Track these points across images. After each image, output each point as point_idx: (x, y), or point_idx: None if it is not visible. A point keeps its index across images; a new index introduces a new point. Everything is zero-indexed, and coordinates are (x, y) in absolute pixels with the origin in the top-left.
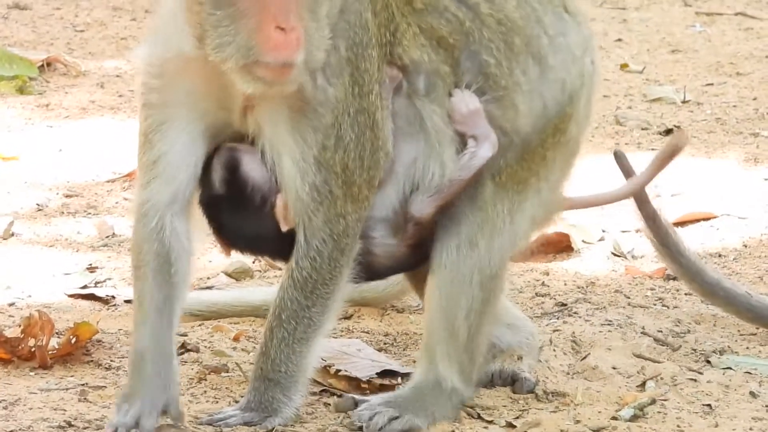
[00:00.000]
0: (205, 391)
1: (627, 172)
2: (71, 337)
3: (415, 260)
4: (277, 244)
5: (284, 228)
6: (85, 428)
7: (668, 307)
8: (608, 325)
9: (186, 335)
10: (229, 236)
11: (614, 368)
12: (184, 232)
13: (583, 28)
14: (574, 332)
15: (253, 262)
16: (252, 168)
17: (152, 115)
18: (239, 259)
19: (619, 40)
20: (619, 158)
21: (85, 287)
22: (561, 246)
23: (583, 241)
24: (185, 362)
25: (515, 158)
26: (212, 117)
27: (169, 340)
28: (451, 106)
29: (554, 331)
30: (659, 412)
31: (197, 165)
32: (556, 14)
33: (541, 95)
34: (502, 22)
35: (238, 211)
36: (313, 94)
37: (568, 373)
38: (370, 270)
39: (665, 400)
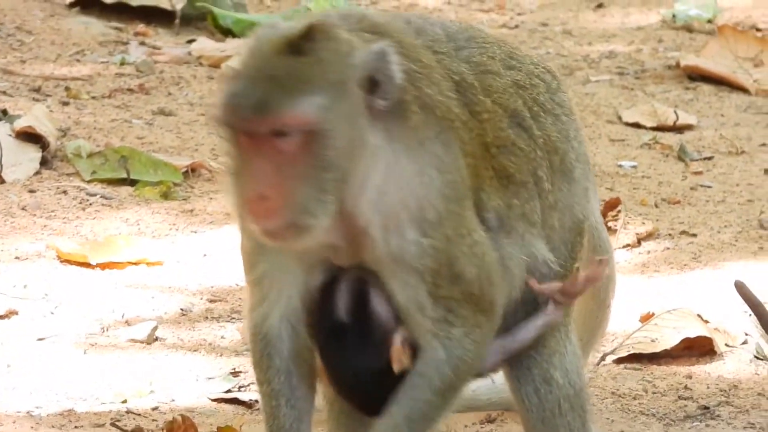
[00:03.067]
0: None
1: (750, 302)
2: None
3: None
4: (378, 387)
5: (396, 368)
6: None
7: None
8: (751, 428)
9: None
10: (335, 370)
11: None
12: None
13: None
14: None
15: None
16: (378, 301)
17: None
18: None
19: (764, 144)
20: (741, 289)
21: (228, 391)
22: (704, 349)
23: (726, 344)
24: None
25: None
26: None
27: None
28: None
29: None
30: None
31: (302, 284)
32: (572, 121)
33: (571, 210)
34: (547, 143)
35: (354, 344)
36: (398, 248)
37: None
38: None
39: None
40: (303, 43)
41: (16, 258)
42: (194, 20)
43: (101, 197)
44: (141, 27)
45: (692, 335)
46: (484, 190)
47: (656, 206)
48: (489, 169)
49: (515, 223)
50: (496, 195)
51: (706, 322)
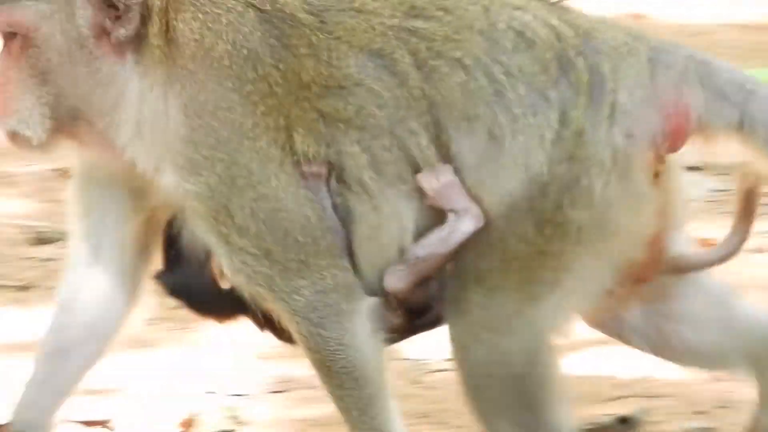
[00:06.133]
0: None
1: None
2: None
3: (422, 326)
4: (219, 303)
5: (224, 286)
6: None
7: None
8: None
9: None
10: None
11: None
12: None
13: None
14: None
15: None
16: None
17: None
18: None
19: None
20: None
21: None
22: None
23: None
24: None
25: (498, 258)
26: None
27: None
28: (420, 182)
29: None
30: None
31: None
32: (531, 87)
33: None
34: (436, 96)
35: (189, 266)
36: (166, 188)
37: None
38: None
39: None
40: None
41: None
42: None
43: None
44: None
45: None
46: (297, 133)
47: None
48: (310, 111)
49: (360, 173)
50: (319, 140)
51: None
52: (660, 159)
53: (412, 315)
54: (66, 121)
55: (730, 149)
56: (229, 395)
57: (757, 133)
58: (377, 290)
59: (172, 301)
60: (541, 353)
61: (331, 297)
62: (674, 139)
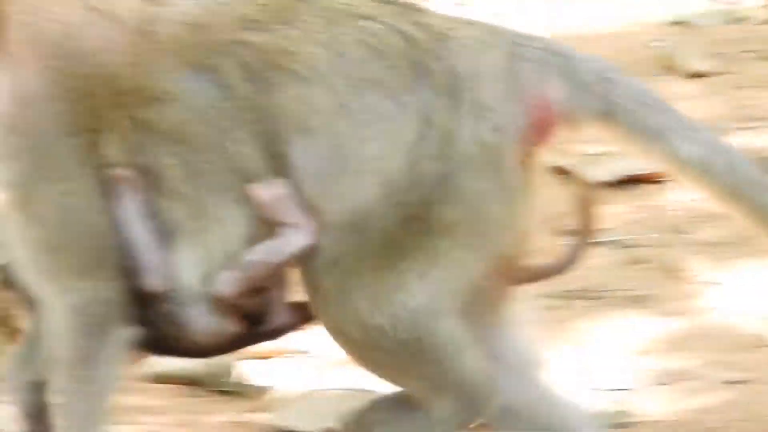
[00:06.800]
0: None
1: None
2: None
3: (263, 334)
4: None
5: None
6: None
7: None
8: None
9: None
10: None
11: None
12: None
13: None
14: None
15: None
16: None
17: None
18: None
19: None
20: None
21: None
22: None
23: None
24: None
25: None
26: None
27: None
28: (251, 195)
29: None
30: None
31: None
32: (382, 95)
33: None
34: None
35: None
36: None
37: None
38: (194, 348)
39: None
40: None
41: None
42: None
43: None
44: None
45: None
46: (111, 137)
47: None
48: (125, 119)
49: (177, 184)
50: (132, 148)
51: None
52: (529, 152)
53: (250, 324)
54: None
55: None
56: (613, 390)
57: (619, 120)
58: (207, 296)
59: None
60: (425, 320)
61: (97, 309)
62: (540, 131)
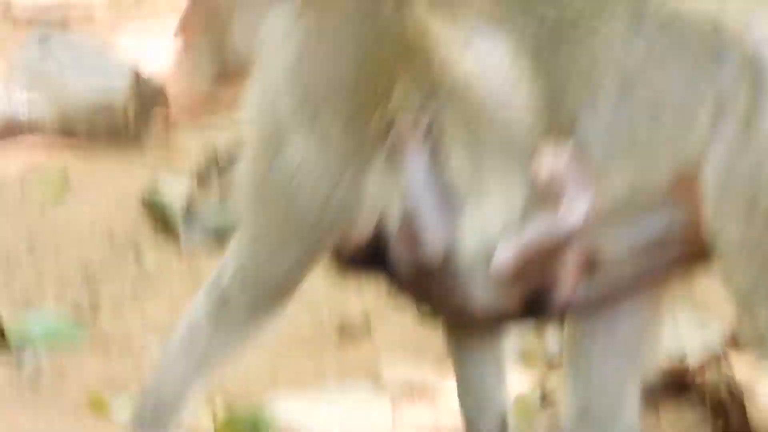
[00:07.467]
0: None
1: None
2: None
3: (525, 314)
4: None
5: None
6: None
7: None
8: None
9: None
10: None
11: None
12: None
13: None
14: None
15: None
16: None
17: None
18: None
19: None
20: None
21: None
22: None
23: None
24: None
25: None
26: None
27: None
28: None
29: None
30: None
31: None
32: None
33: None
34: None
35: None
36: None
37: None
38: (469, 321)
39: None
40: None
41: None
42: None
43: None
44: None
45: None
46: (388, 96)
47: None
48: (411, 75)
49: (458, 146)
50: (413, 105)
51: None
52: None
53: (530, 301)
54: None
55: None
56: None
57: None
58: (485, 268)
59: None
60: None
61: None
62: None
